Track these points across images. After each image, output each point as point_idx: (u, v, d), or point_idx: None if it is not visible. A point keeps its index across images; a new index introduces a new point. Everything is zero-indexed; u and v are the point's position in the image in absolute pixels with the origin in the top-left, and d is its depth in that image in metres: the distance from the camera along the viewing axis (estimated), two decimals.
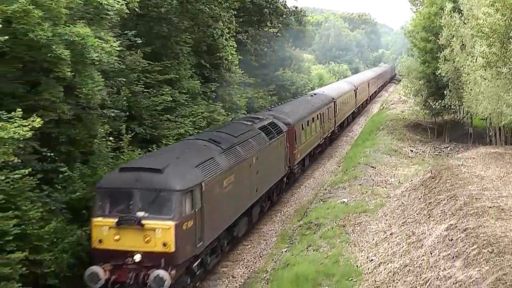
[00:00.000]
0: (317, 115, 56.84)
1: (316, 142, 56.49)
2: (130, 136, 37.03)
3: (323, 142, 61.28)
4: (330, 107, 64.63)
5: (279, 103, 61.62)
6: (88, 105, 30.00)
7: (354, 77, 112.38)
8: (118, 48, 30.09)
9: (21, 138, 21.41)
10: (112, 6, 28.78)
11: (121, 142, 36.07)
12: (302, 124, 50.17)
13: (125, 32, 37.85)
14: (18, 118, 21.32)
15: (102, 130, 33.65)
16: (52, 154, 27.53)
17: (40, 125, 22.12)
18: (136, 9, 34.15)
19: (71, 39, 25.21)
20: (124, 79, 37.67)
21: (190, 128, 45.20)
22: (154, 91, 43.17)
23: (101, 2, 27.87)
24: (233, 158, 31.45)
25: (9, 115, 21.55)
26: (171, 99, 44.17)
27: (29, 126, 21.42)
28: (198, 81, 52.46)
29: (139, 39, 39.25)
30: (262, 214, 39.95)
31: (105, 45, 27.88)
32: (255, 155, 35.22)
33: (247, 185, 33.77)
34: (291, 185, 48.49)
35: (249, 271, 31.13)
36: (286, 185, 46.51)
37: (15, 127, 20.96)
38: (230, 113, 57.16)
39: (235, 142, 33.31)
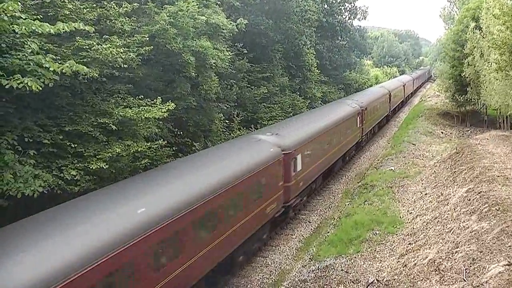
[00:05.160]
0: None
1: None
2: (239, 119, 37.82)
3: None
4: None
5: None
6: (207, 97, 30.48)
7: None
8: (229, 56, 30.66)
9: (160, 118, 22.37)
10: (226, 26, 29.27)
11: (232, 124, 36.72)
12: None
13: (235, 44, 38.24)
14: (158, 105, 22.01)
15: (219, 116, 34.21)
16: (181, 132, 28.27)
17: (173, 108, 22.75)
18: (243, 27, 34.50)
19: (196, 50, 25.76)
20: (234, 81, 38.14)
21: (279, 112, 45.36)
22: (254, 87, 43.54)
23: (218, 23, 28.28)
24: None
25: (152, 103, 22.25)
26: (267, 91, 44.48)
27: (165, 109, 22.10)
28: (286, 78, 52.57)
29: (244, 49, 39.74)
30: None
31: (220, 54, 28.39)
32: None
33: None
34: (353, 155, 48.05)
35: (321, 218, 31.19)
36: None
37: (158, 109, 21.75)
38: (309, 102, 57.05)
39: None
